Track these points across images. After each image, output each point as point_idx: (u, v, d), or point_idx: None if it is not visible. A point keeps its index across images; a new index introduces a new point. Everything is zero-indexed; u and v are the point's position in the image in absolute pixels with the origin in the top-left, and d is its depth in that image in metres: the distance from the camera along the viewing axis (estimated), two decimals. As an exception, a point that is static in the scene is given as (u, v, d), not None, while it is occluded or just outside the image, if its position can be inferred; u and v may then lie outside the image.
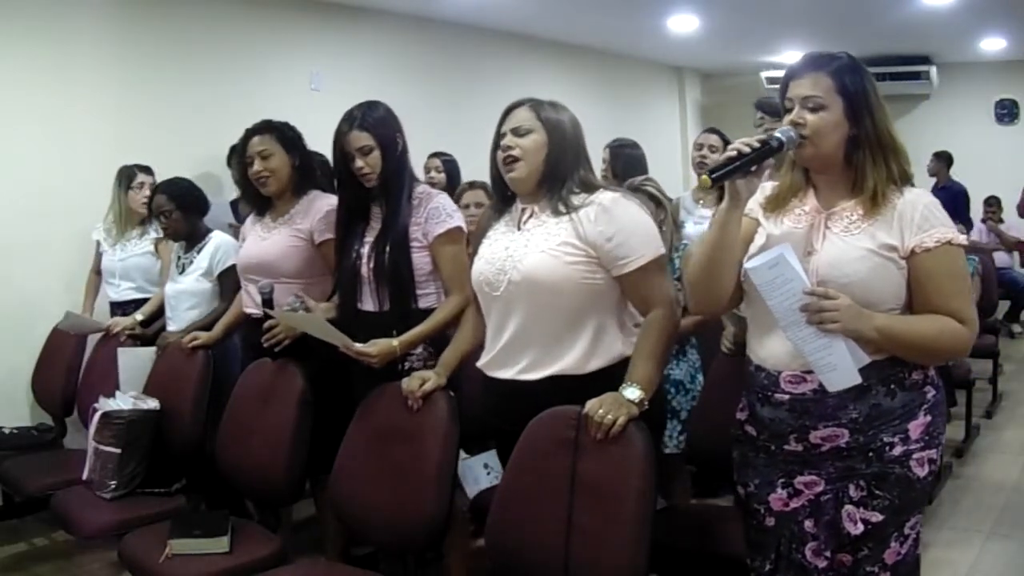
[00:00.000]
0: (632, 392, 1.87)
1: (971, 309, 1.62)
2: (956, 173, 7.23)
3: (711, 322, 2.75)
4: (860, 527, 1.63)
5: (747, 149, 1.60)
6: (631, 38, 6.95)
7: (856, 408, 1.62)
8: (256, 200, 2.86)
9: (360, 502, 2.26)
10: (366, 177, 2.44)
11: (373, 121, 2.44)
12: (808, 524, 1.69)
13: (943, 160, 7.09)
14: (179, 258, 3.46)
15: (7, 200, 3.91)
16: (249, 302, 2.84)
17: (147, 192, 3.77)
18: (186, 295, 3.36)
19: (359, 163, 2.43)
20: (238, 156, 2.95)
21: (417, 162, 2.81)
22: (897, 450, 1.62)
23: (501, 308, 2.06)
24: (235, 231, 3.58)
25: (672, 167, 7.84)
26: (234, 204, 4.29)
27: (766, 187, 1.76)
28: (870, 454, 1.63)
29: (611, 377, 1.94)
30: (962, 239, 1.62)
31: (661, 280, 2.02)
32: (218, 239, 3.39)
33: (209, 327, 3.12)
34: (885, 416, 1.62)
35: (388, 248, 2.41)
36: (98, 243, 3.89)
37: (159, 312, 3.68)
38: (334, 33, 5.32)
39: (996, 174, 7.44)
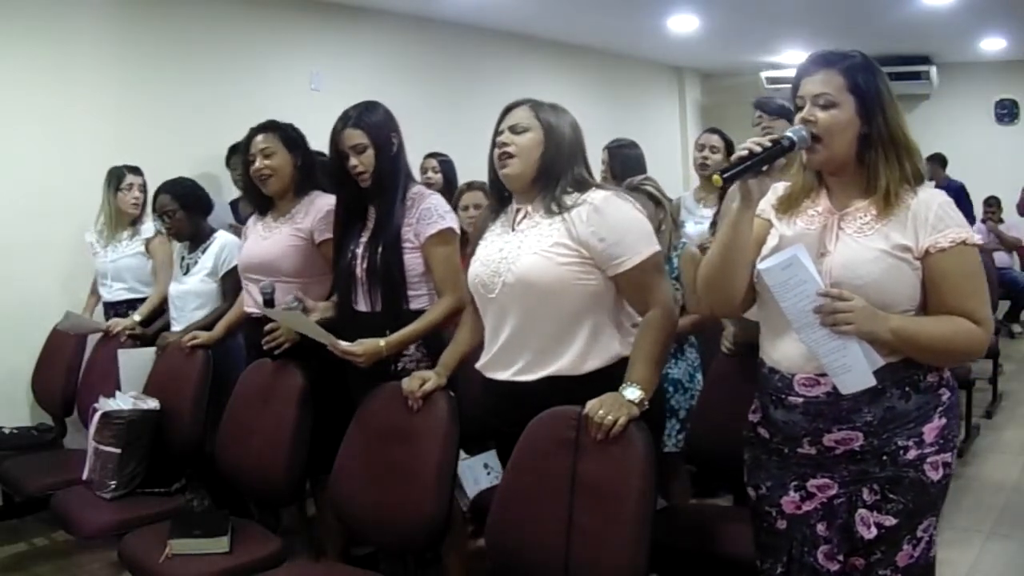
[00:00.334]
0: (632, 392, 1.87)
1: (986, 309, 1.60)
2: (956, 173, 7.23)
3: (709, 321, 2.76)
4: (873, 531, 1.62)
5: (758, 149, 1.59)
6: (631, 38, 6.95)
7: (870, 411, 1.60)
8: (257, 200, 2.87)
9: (360, 502, 2.26)
10: (360, 176, 2.45)
11: (367, 120, 2.44)
12: (820, 527, 1.68)
13: (936, 162, 7.10)
14: (183, 258, 3.46)
15: (7, 200, 3.91)
16: (250, 302, 2.84)
17: (136, 193, 3.79)
18: (191, 295, 3.37)
19: (353, 161, 2.43)
20: (240, 154, 2.96)
21: (416, 163, 2.81)
22: (911, 454, 1.61)
23: (497, 310, 2.06)
24: (236, 231, 3.58)
25: (672, 167, 7.84)
26: (234, 204, 4.29)
27: (778, 188, 1.75)
28: (884, 457, 1.61)
29: (609, 377, 1.93)
30: (977, 239, 1.60)
31: (657, 279, 2.01)
32: (223, 239, 3.39)
33: (209, 327, 3.13)
34: (899, 419, 1.61)
35: (380, 249, 2.42)
36: (91, 245, 3.89)
37: (157, 312, 3.69)
38: (334, 33, 5.32)
39: (996, 174, 7.45)
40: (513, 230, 2.08)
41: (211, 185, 4.30)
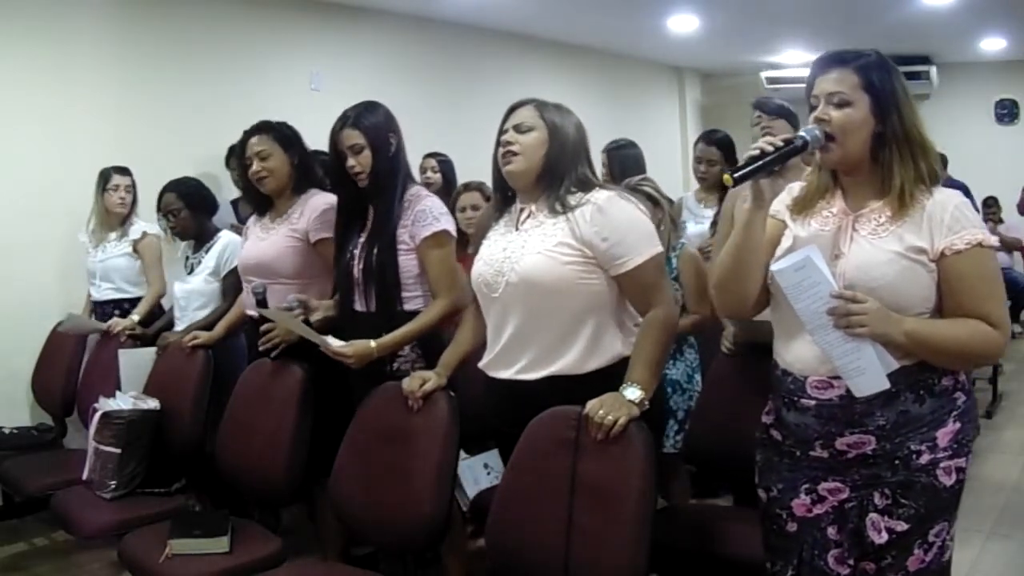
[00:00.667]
0: (632, 392, 1.87)
1: (1003, 312, 1.57)
2: (956, 173, 7.21)
3: (710, 322, 2.76)
4: (884, 536, 1.60)
5: (770, 148, 1.57)
6: (631, 38, 6.95)
7: (883, 415, 1.58)
8: (256, 200, 2.87)
9: (360, 502, 2.26)
10: (358, 176, 2.45)
11: (365, 120, 2.45)
12: (831, 531, 1.66)
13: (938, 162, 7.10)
14: (188, 258, 3.49)
15: (7, 200, 3.91)
16: (250, 303, 2.84)
17: (123, 193, 3.81)
18: (195, 295, 3.39)
19: (351, 161, 2.44)
20: (237, 157, 2.96)
21: (416, 163, 2.81)
22: (924, 458, 1.59)
23: (500, 309, 2.06)
24: (237, 231, 3.59)
25: (672, 167, 7.83)
26: (234, 204, 4.29)
27: (794, 188, 1.74)
28: (896, 462, 1.59)
29: (610, 377, 1.94)
30: (993, 240, 1.58)
31: (659, 279, 2.02)
32: (226, 239, 3.41)
33: (210, 327, 3.13)
34: (913, 423, 1.59)
35: (376, 249, 2.42)
36: (84, 245, 3.91)
37: (156, 312, 3.69)
38: (334, 33, 5.31)
39: (996, 174, 7.44)
40: (517, 229, 2.08)
41: (211, 185, 4.27)
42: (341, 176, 2.50)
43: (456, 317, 2.43)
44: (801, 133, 1.60)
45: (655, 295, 2.00)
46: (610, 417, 1.80)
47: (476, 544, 2.66)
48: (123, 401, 2.89)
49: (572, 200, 2.01)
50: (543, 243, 2.00)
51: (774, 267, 1.59)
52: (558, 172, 2.04)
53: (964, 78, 7.99)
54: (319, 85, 5.15)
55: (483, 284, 2.09)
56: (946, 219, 1.56)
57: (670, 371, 2.86)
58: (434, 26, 5.83)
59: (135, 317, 3.62)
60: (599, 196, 2.00)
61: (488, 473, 2.98)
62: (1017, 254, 7.43)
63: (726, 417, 2.40)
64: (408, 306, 2.46)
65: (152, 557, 2.26)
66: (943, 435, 1.60)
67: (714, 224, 3.54)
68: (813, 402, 1.64)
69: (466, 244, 3.25)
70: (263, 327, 2.64)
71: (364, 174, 2.44)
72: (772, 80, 7.94)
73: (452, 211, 2.89)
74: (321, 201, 2.74)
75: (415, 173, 2.79)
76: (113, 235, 3.84)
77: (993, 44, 7.39)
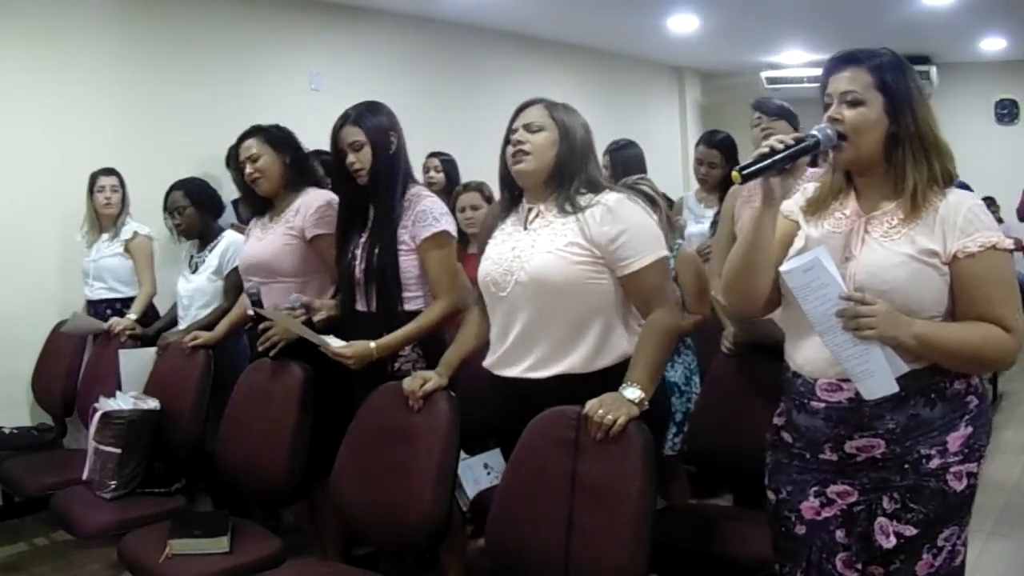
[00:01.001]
0: (632, 392, 1.88)
1: (1018, 316, 1.54)
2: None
3: (710, 322, 2.76)
4: (893, 540, 1.59)
5: (780, 146, 1.57)
6: (631, 38, 6.95)
7: (893, 418, 1.56)
8: (255, 202, 2.87)
9: (360, 502, 2.26)
10: (357, 173, 2.45)
11: (366, 118, 2.46)
12: (840, 534, 1.65)
13: None
14: (192, 257, 3.51)
15: (7, 200, 3.91)
16: (248, 303, 2.84)
17: (108, 194, 3.83)
18: (199, 294, 3.41)
19: (351, 158, 2.44)
20: (233, 162, 2.97)
21: (417, 163, 2.81)
22: (934, 463, 1.57)
23: (507, 308, 2.07)
24: (238, 230, 3.59)
25: (672, 167, 7.83)
26: (235, 204, 4.29)
27: (808, 189, 1.73)
28: (906, 466, 1.58)
29: (618, 376, 1.94)
30: (1008, 243, 1.55)
31: (663, 282, 2.03)
32: (230, 238, 3.44)
33: (210, 326, 3.13)
34: (923, 427, 1.57)
35: (377, 250, 2.42)
36: (80, 244, 3.92)
37: (151, 310, 3.70)
38: (334, 33, 5.31)
39: (996, 174, 7.44)
40: (525, 229, 2.08)
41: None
42: (342, 175, 2.50)
43: (457, 318, 2.43)
44: (813, 132, 1.59)
45: (658, 297, 2.01)
46: (610, 416, 1.80)
47: (476, 544, 2.66)
48: (123, 401, 2.89)
49: (582, 200, 2.02)
50: (553, 243, 2.00)
51: (782, 268, 1.58)
52: (568, 172, 2.05)
53: (964, 78, 7.99)
54: (319, 85, 5.15)
55: (491, 283, 2.09)
56: (959, 221, 1.54)
57: (669, 373, 2.85)
58: (434, 26, 5.83)
59: (132, 315, 3.63)
60: (609, 198, 2.01)
61: (488, 473, 2.98)
62: (1018, 254, 7.44)
63: (726, 417, 2.40)
64: (409, 307, 2.46)
65: (152, 557, 2.26)
66: (954, 439, 1.58)
67: (714, 224, 3.54)
68: (822, 404, 1.62)
69: (466, 244, 3.27)
70: (261, 326, 2.65)
71: (364, 171, 2.45)
72: (772, 80, 7.94)
73: (452, 211, 2.89)
74: (318, 198, 2.75)
75: (418, 173, 2.79)
76: (105, 236, 3.87)
77: (993, 44, 7.39)
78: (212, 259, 3.41)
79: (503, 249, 2.10)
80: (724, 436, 2.39)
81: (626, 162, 3.88)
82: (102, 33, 4.25)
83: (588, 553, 1.79)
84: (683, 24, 6.43)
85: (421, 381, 2.20)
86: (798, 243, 1.69)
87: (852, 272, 1.58)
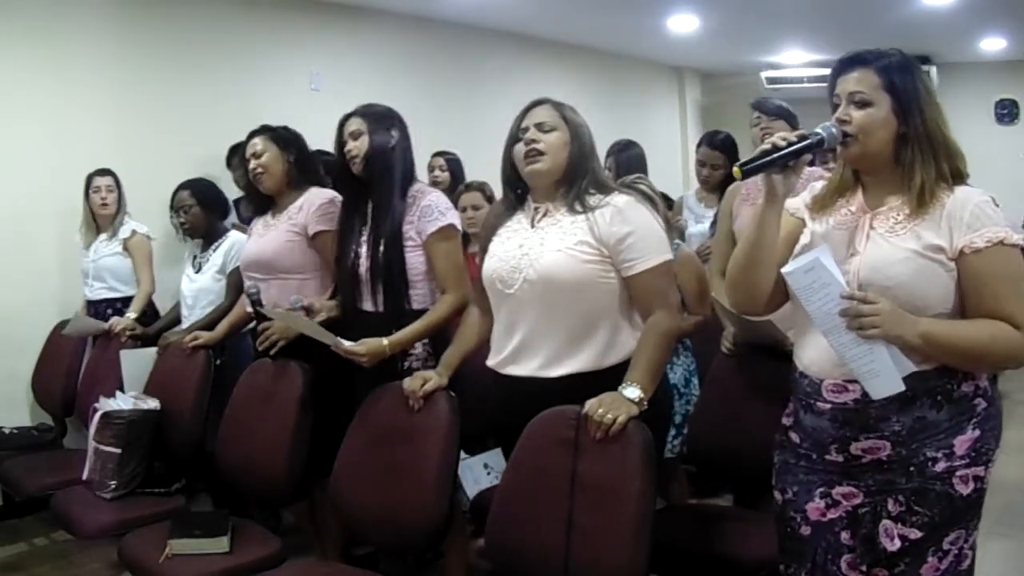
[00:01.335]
0: (632, 391, 1.88)
1: None
2: (956, 173, 7.22)
3: (710, 322, 2.76)
4: (897, 543, 1.58)
5: (783, 143, 1.56)
6: (631, 38, 6.94)
7: (899, 420, 1.55)
8: (258, 200, 2.88)
9: (360, 502, 2.26)
10: (352, 160, 2.47)
11: (369, 109, 2.51)
12: (845, 536, 1.64)
13: None
14: (195, 257, 3.52)
15: (7, 200, 3.91)
16: (247, 302, 2.84)
17: (104, 194, 3.84)
18: (203, 293, 3.43)
19: (349, 145, 2.48)
20: (239, 158, 2.98)
21: (420, 162, 2.82)
22: (940, 466, 1.56)
23: (513, 306, 2.07)
24: (240, 230, 3.60)
25: (672, 167, 7.83)
26: (236, 204, 4.29)
27: (816, 187, 1.73)
28: (911, 468, 1.57)
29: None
30: (1017, 238, 1.52)
31: (666, 284, 2.04)
32: (233, 237, 3.46)
33: (211, 326, 3.13)
34: (930, 429, 1.56)
35: (382, 248, 2.42)
36: (78, 245, 3.92)
37: (150, 310, 3.70)
38: (334, 33, 5.31)
39: (996, 174, 7.42)
40: (533, 227, 2.08)
41: (211, 185, 4.30)
42: (344, 172, 2.52)
43: (462, 314, 2.43)
44: (817, 130, 1.59)
45: (660, 300, 2.01)
46: (609, 416, 1.81)
47: (476, 544, 2.66)
48: (123, 401, 2.89)
49: (592, 200, 2.03)
50: (563, 241, 2.01)
51: (784, 270, 1.57)
52: (578, 172, 2.06)
53: (964, 78, 7.98)
54: (319, 85, 5.15)
55: (497, 280, 2.09)
56: (966, 217, 1.52)
57: (668, 375, 2.85)
58: (434, 26, 5.83)
59: (132, 314, 3.63)
60: (619, 199, 2.02)
61: (488, 473, 2.98)
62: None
63: (726, 417, 2.40)
64: (415, 305, 2.46)
65: (152, 557, 2.26)
66: (961, 443, 1.56)
67: (714, 224, 3.54)
68: (828, 405, 1.62)
69: (467, 243, 3.27)
70: (261, 326, 2.65)
71: (359, 158, 2.46)
72: (772, 80, 7.93)
73: (454, 210, 2.89)
74: (321, 195, 2.76)
75: (422, 173, 2.79)
76: (103, 235, 3.87)
77: (993, 44, 7.38)
78: (216, 258, 3.43)
79: (510, 247, 2.10)
80: (724, 436, 2.39)
81: (630, 162, 3.88)
82: (102, 33, 4.25)
83: (588, 553, 1.79)
84: (683, 24, 6.43)
85: (421, 381, 2.20)
86: (803, 240, 1.69)
87: (856, 268, 1.57)
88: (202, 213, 3.46)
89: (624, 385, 1.90)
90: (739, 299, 1.75)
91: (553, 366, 2.01)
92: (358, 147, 2.47)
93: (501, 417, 2.13)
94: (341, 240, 2.56)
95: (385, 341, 2.36)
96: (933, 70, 7.79)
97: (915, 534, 1.57)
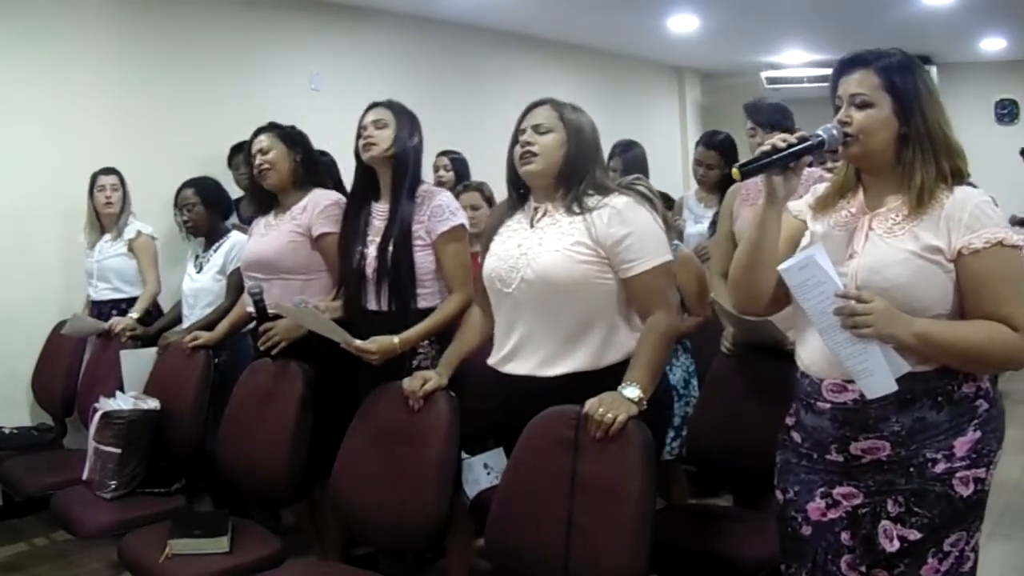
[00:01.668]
0: (631, 391, 1.88)
1: None
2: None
3: (711, 323, 2.76)
4: (896, 544, 1.58)
5: (782, 144, 1.57)
6: (631, 38, 6.94)
7: (898, 421, 1.55)
8: (261, 199, 2.88)
9: (360, 502, 2.26)
10: (371, 148, 2.46)
11: (399, 107, 2.52)
12: (845, 536, 1.64)
13: None
14: (197, 256, 3.52)
15: (7, 200, 3.91)
16: (251, 301, 2.83)
17: (108, 193, 3.82)
18: (204, 293, 3.43)
19: (368, 132, 2.47)
20: (245, 155, 2.97)
21: (425, 163, 2.82)
22: (940, 467, 1.55)
23: (512, 305, 2.07)
24: (240, 230, 3.60)
25: (672, 167, 7.83)
26: (236, 203, 4.29)
27: (818, 188, 1.73)
28: (911, 469, 1.56)
29: (624, 374, 1.95)
30: (1017, 239, 1.52)
31: (665, 285, 2.04)
32: (235, 238, 3.45)
33: (211, 326, 3.13)
34: (929, 430, 1.55)
35: (391, 247, 2.42)
36: (82, 245, 3.92)
37: (153, 310, 3.70)
38: (334, 33, 5.31)
39: (996, 174, 7.42)
40: (532, 227, 2.09)
41: (211, 185, 4.30)
42: (358, 163, 2.54)
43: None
44: (818, 132, 1.59)
45: (659, 301, 2.01)
46: (609, 415, 1.81)
47: (476, 544, 2.66)
48: (123, 401, 2.89)
49: (590, 202, 2.03)
50: (560, 241, 2.01)
51: (780, 267, 1.58)
52: (576, 173, 2.06)
53: (964, 78, 7.98)
54: (319, 85, 5.15)
55: (496, 279, 2.10)
56: (964, 217, 1.52)
57: (668, 376, 2.85)
58: (434, 26, 5.83)
59: (134, 315, 3.62)
60: (617, 201, 2.02)
61: (488, 473, 2.98)
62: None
63: (726, 417, 2.40)
64: (422, 304, 2.46)
65: (152, 557, 2.26)
66: (961, 444, 1.56)
67: (713, 224, 3.55)
68: (828, 405, 1.62)
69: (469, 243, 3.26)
70: (263, 326, 2.65)
71: (378, 148, 2.45)
72: (772, 80, 7.93)
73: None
74: (325, 197, 2.76)
75: (426, 172, 2.79)
76: (108, 235, 3.86)
77: (993, 44, 7.38)
78: (217, 258, 3.43)
79: (509, 246, 2.10)
80: (724, 436, 2.39)
81: (634, 161, 3.88)
82: (102, 33, 4.24)
83: (588, 553, 1.79)
84: (683, 24, 6.43)
85: (421, 381, 2.20)
86: (804, 241, 1.69)
87: (854, 269, 1.57)
88: (206, 212, 3.46)
89: (624, 385, 1.90)
90: (741, 299, 1.75)
91: (549, 365, 2.02)
92: (379, 136, 2.46)
93: (500, 416, 2.14)
94: (346, 239, 2.55)
95: (396, 339, 2.36)
96: (933, 70, 7.78)
97: (914, 535, 1.57)
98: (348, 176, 2.87)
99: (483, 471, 2.95)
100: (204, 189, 3.49)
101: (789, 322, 1.86)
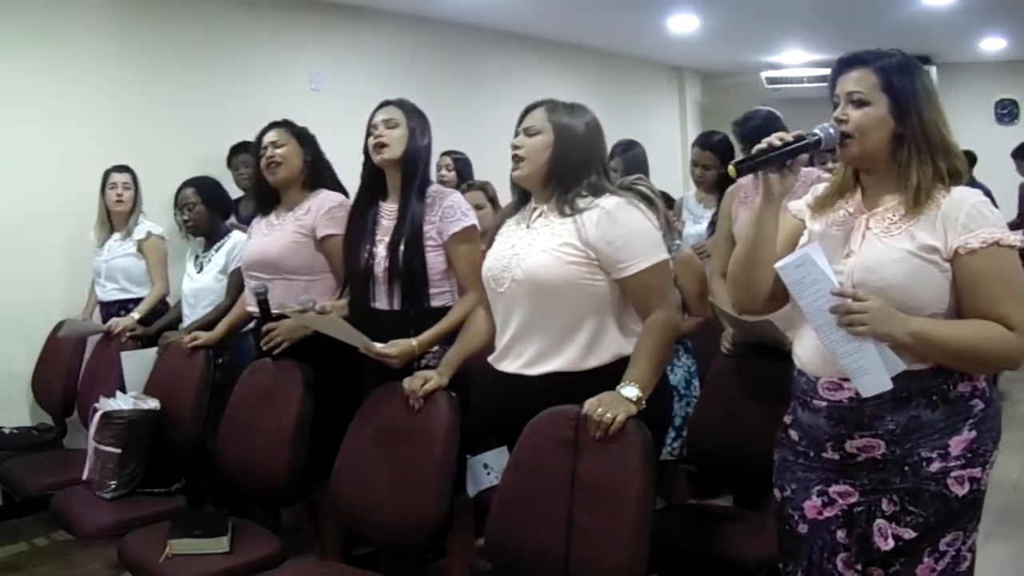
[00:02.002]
0: (630, 391, 1.88)
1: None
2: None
3: (712, 323, 2.76)
4: (891, 543, 1.58)
5: (778, 143, 1.58)
6: (631, 38, 6.94)
7: (893, 419, 1.56)
8: (263, 197, 2.87)
9: (360, 502, 2.26)
10: (379, 149, 2.44)
11: (411, 106, 2.51)
12: (840, 534, 1.64)
13: (966, 159, 7.00)
14: (197, 256, 3.52)
15: (7, 200, 3.91)
16: (251, 301, 2.83)
17: (120, 190, 3.79)
18: (205, 292, 3.43)
19: (379, 131, 2.45)
20: (251, 152, 2.96)
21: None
22: (934, 466, 1.56)
23: (505, 304, 2.08)
24: (240, 230, 3.60)
25: (672, 167, 7.83)
26: (235, 203, 4.29)
27: (817, 188, 1.74)
28: (906, 468, 1.57)
29: (610, 375, 1.94)
30: (1014, 240, 1.52)
31: (661, 285, 2.03)
32: (236, 237, 3.45)
33: (210, 326, 3.13)
34: (924, 429, 1.56)
35: (402, 247, 2.41)
36: (92, 243, 3.90)
37: (156, 311, 3.70)
38: (334, 33, 5.31)
39: (996, 174, 7.44)
40: (528, 227, 2.10)
41: (211, 185, 4.30)
42: (366, 161, 2.52)
43: None
44: (815, 130, 1.60)
45: (656, 300, 2.01)
46: (608, 415, 1.81)
47: (476, 544, 2.66)
48: (123, 401, 2.89)
49: (581, 203, 2.03)
50: (549, 242, 2.02)
51: (777, 265, 1.58)
52: (565, 174, 2.05)
53: (964, 78, 7.98)
54: (319, 85, 5.15)
55: (491, 279, 2.12)
56: (961, 217, 1.53)
57: (669, 377, 2.85)
58: (434, 26, 5.83)
59: (136, 315, 3.61)
60: (608, 202, 2.02)
61: (488, 473, 2.98)
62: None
63: (726, 417, 2.40)
64: (436, 302, 2.45)
65: (152, 557, 2.26)
66: (956, 443, 1.56)
67: (711, 224, 3.55)
68: (824, 403, 1.62)
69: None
70: (266, 327, 2.64)
71: (389, 149, 2.44)
72: (772, 80, 7.94)
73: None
74: (330, 198, 2.75)
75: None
76: (117, 235, 3.82)
77: (993, 44, 7.39)
78: (219, 258, 3.43)
79: (504, 246, 2.12)
80: (724, 436, 2.40)
81: (635, 161, 3.88)
82: (102, 33, 4.24)
83: (588, 553, 1.79)
84: (683, 24, 6.43)
85: (421, 381, 2.20)
86: (803, 240, 1.70)
87: (851, 269, 1.58)
88: (206, 211, 3.46)
89: (623, 384, 1.90)
90: (739, 297, 1.76)
91: (536, 364, 2.02)
92: (390, 136, 2.44)
93: (499, 414, 2.14)
94: (352, 237, 2.54)
95: (414, 342, 2.35)
96: (933, 70, 7.79)
97: (909, 534, 1.57)
98: (346, 176, 2.88)
99: (483, 471, 2.95)
100: (204, 189, 3.49)
101: (788, 322, 1.86)
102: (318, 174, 2.82)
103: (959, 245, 1.52)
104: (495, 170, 2.24)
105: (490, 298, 2.16)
